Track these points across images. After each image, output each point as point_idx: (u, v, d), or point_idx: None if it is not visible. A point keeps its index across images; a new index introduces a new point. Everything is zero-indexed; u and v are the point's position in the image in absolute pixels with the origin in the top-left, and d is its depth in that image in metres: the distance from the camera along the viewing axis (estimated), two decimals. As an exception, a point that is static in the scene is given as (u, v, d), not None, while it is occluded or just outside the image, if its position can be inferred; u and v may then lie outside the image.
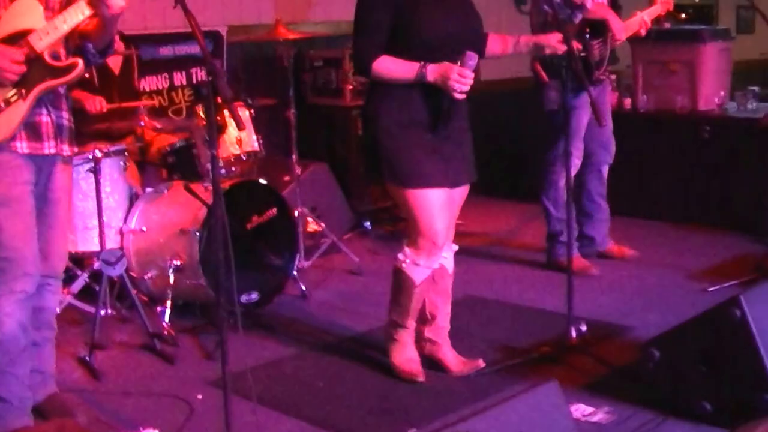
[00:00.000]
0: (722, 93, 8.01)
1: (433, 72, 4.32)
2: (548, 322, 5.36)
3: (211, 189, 5.68)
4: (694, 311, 4.23)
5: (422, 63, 4.33)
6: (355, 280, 6.55)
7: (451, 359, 4.86)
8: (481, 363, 4.81)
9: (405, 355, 4.78)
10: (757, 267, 6.12)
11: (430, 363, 4.85)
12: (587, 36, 6.20)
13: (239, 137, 6.02)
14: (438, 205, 4.48)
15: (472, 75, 4.31)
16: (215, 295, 5.29)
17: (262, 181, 5.98)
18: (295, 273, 6.09)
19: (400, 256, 4.64)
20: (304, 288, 6.14)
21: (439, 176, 4.47)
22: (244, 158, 6.14)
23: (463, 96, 4.35)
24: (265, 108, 7.04)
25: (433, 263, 4.62)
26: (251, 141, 6.16)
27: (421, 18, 4.38)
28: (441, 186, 4.48)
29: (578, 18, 6.19)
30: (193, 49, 7.48)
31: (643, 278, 6.35)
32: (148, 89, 7.48)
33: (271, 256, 5.86)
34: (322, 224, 6.82)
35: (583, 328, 4.90)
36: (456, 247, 4.93)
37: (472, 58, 4.27)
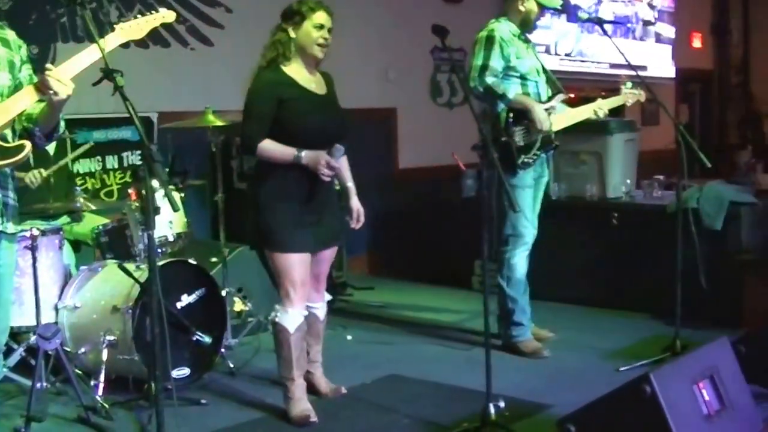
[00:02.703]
0: (629, 181, 8.34)
1: (306, 157, 5.15)
2: (469, 399, 5.49)
3: (143, 268, 5.84)
4: (608, 389, 4.42)
5: (298, 149, 5.15)
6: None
7: (323, 385, 5.78)
8: (343, 389, 5.80)
9: (299, 408, 5.38)
10: (666, 347, 6.29)
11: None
12: (509, 122, 6.46)
13: (170, 219, 6.16)
14: (298, 266, 5.29)
15: (338, 163, 5.22)
16: (148, 370, 5.47)
17: (192, 261, 6.12)
18: (223, 350, 6.24)
19: (273, 312, 5.42)
20: (232, 365, 6.28)
21: (302, 244, 5.28)
22: (173, 239, 6.26)
23: (329, 179, 5.24)
24: (194, 190, 7.19)
25: (299, 310, 5.38)
26: (181, 223, 6.32)
27: (293, 114, 5.21)
28: (303, 251, 5.30)
29: (500, 107, 6.48)
30: (125, 133, 7.68)
31: (560, 359, 6.53)
32: (81, 171, 7.64)
33: (200, 334, 5.97)
34: (249, 304, 6.98)
35: (502, 404, 5.00)
36: (329, 297, 5.84)
37: (339, 150, 5.13)
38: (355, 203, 5.59)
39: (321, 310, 5.71)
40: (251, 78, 5.34)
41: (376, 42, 10.17)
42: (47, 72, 4.01)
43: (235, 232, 6.60)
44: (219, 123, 6.76)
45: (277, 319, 5.36)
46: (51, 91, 4.02)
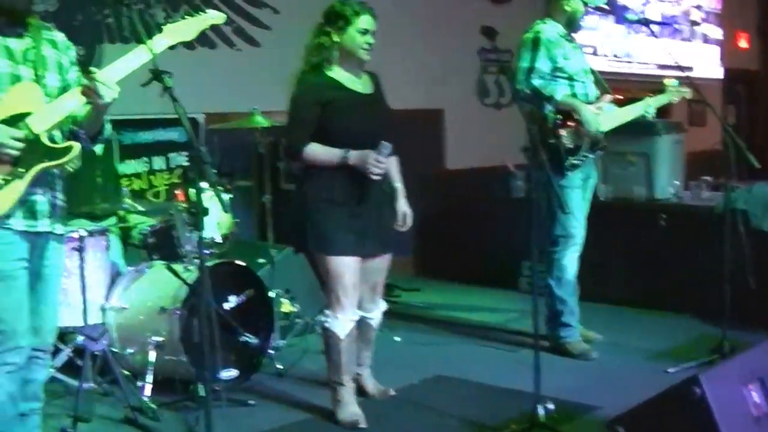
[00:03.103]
0: (676, 182, 8.28)
1: (354, 157, 5.08)
2: (516, 401, 5.45)
3: (190, 269, 5.85)
4: (656, 391, 4.39)
5: (345, 150, 5.08)
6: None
7: (371, 386, 5.77)
8: (391, 391, 5.79)
9: (348, 412, 5.36)
10: (714, 349, 6.24)
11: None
12: (557, 124, 6.42)
13: (218, 220, 6.18)
14: (349, 271, 5.22)
15: (386, 161, 5.10)
16: (195, 371, 5.48)
17: (240, 262, 6.12)
18: (270, 352, 6.25)
19: (322, 317, 5.39)
20: (279, 366, 6.29)
21: (353, 247, 5.20)
22: (221, 240, 6.29)
23: (379, 177, 5.12)
24: (240, 191, 7.21)
25: (349, 316, 5.31)
26: (228, 224, 6.33)
27: (336, 115, 5.16)
28: (354, 255, 5.22)
29: (547, 109, 6.44)
30: (172, 134, 7.70)
31: (608, 360, 6.51)
32: (128, 172, 7.68)
33: (247, 335, 5.96)
34: (296, 305, 6.98)
35: (551, 406, 4.99)
36: (384, 306, 5.73)
37: (386, 147, 5.04)
38: (402, 205, 5.50)
39: (376, 320, 5.68)
40: (294, 82, 5.31)
41: (423, 43, 10.14)
42: (92, 76, 4.02)
43: (282, 233, 6.61)
44: (266, 124, 6.77)
45: (327, 325, 5.33)
46: (95, 95, 4.04)
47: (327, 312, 5.34)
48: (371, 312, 5.60)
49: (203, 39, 8.02)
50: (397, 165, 5.53)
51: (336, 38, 5.22)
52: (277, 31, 8.76)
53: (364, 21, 5.22)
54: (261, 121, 6.77)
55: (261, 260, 6.97)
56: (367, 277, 5.41)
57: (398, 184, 5.53)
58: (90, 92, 4.03)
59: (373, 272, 5.46)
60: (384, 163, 5.09)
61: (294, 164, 6.36)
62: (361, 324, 5.52)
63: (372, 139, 5.08)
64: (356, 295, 5.32)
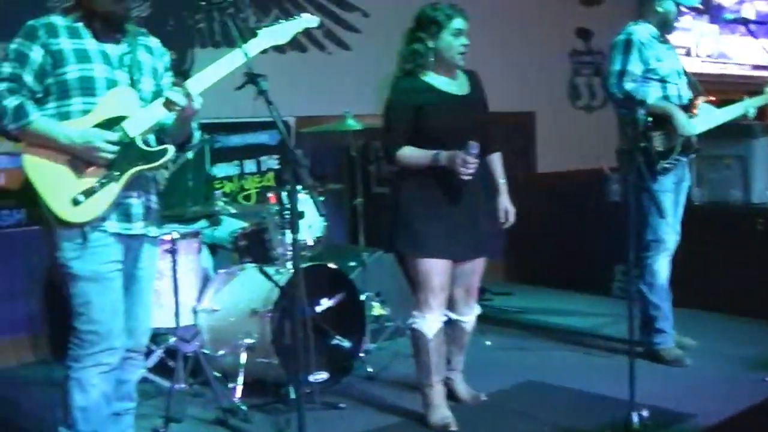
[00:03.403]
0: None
1: (444, 157, 5.03)
2: (610, 408, 5.36)
3: (282, 272, 5.87)
4: (754, 400, 4.31)
5: (437, 151, 5.05)
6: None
7: (463, 391, 5.72)
8: (483, 396, 5.74)
9: (438, 414, 5.31)
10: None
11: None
12: (649, 127, 6.32)
13: (310, 223, 6.19)
14: (438, 273, 5.19)
15: (476, 161, 4.97)
16: (286, 373, 5.49)
17: (332, 265, 6.14)
18: (362, 355, 6.25)
19: (410, 318, 5.35)
20: (370, 369, 6.29)
21: (444, 249, 5.18)
22: (313, 243, 6.30)
23: (469, 177, 5.00)
24: (331, 194, 7.22)
25: (437, 316, 5.28)
26: (320, 227, 6.34)
27: (430, 119, 5.14)
28: (444, 257, 5.19)
29: (639, 112, 6.34)
30: (263, 138, 7.74)
31: (702, 367, 6.38)
32: (219, 175, 7.74)
33: (339, 338, 5.99)
34: (387, 308, 6.97)
35: (645, 414, 4.92)
36: (478, 310, 5.66)
37: (474, 147, 4.93)
38: (504, 201, 5.43)
39: (470, 324, 5.63)
40: (388, 87, 5.29)
41: (515, 45, 10.07)
42: (177, 88, 4.08)
43: (373, 237, 6.61)
44: (357, 127, 6.78)
45: (415, 326, 5.30)
46: (178, 107, 4.11)
47: (415, 313, 5.31)
48: (465, 315, 5.56)
49: (294, 42, 8.02)
50: (501, 161, 5.49)
51: (430, 44, 5.18)
52: (367, 34, 8.76)
53: (458, 23, 5.18)
54: (352, 124, 6.79)
55: (352, 263, 6.99)
56: (460, 280, 5.39)
57: (501, 180, 5.47)
58: (171, 105, 4.10)
59: (466, 275, 5.42)
60: (473, 163, 4.99)
61: (387, 167, 6.37)
62: (455, 327, 5.52)
63: (466, 139, 5.00)
64: (444, 296, 5.29)
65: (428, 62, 5.21)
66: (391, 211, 5.30)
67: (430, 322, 5.26)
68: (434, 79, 5.24)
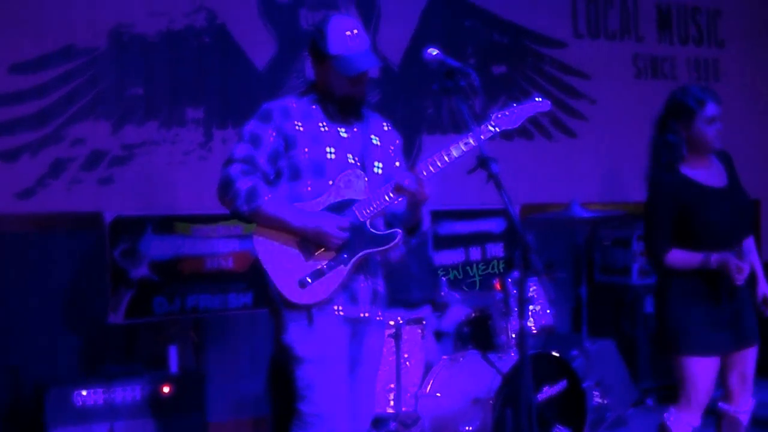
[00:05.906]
0: None
1: (716, 261, 4.81)
2: None
3: (504, 359, 5.83)
4: None
5: (707, 254, 4.83)
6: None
7: None
8: None
9: None
10: None
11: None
12: None
13: (535, 310, 6.16)
14: (705, 371, 4.93)
15: (749, 265, 4.85)
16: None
17: (555, 353, 6.06)
18: (583, 446, 6.12)
19: (666, 414, 5.06)
20: (589, 459, 6.15)
21: (714, 346, 4.93)
22: (536, 331, 6.24)
23: (742, 282, 4.83)
24: (557, 282, 7.15)
25: (694, 422, 5.01)
26: (546, 314, 6.29)
27: (696, 219, 4.92)
28: (713, 355, 4.93)
29: None
30: (489, 225, 7.73)
31: None
32: (444, 263, 7.77)
33: (560, 427, 5.90)
34: (608, 398, 6.82)
35: None
36: (754, 402, 5.20)
37: (748, 252, 4.93)
38: (763, 288, 5.20)
39: (746, 415, 5.21)
40: (648, 182, 5.11)
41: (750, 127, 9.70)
42: (407, 172, 4.12)
43: (596, 325, 6.53)
44: (584, 215, 6.70)
45: (667, 421, 5.05)
46: (408, 192, 4.12)
47: (672, 409, 5.06)
48: (743, 407, 5.18)
49: (520, 129, 8.05)
50: (754, 245, 5.28)
51: (683, 132, 5.01)
52: (593, 121, 8.68)
53: (711, 109, 4.96)
54: (579, 211, 6.71)
55: (574, 352, 6.89)
56: (736, 367, 5.10)
57: (756, 265, 5.22)
58: (402, 189, 4.12)
59: (742, 362, 5.09)
60: (747, 268, 4.83)
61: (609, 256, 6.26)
62: (731, 422, 5.18)
63: (733, 236, 4.93)
64: (707, 398, 5.00)
65: (683, 152, 5.00)
66: (659, 308, 5.10)
67: (684, 422, 5.02)
68: (693, 173, 5.02)
